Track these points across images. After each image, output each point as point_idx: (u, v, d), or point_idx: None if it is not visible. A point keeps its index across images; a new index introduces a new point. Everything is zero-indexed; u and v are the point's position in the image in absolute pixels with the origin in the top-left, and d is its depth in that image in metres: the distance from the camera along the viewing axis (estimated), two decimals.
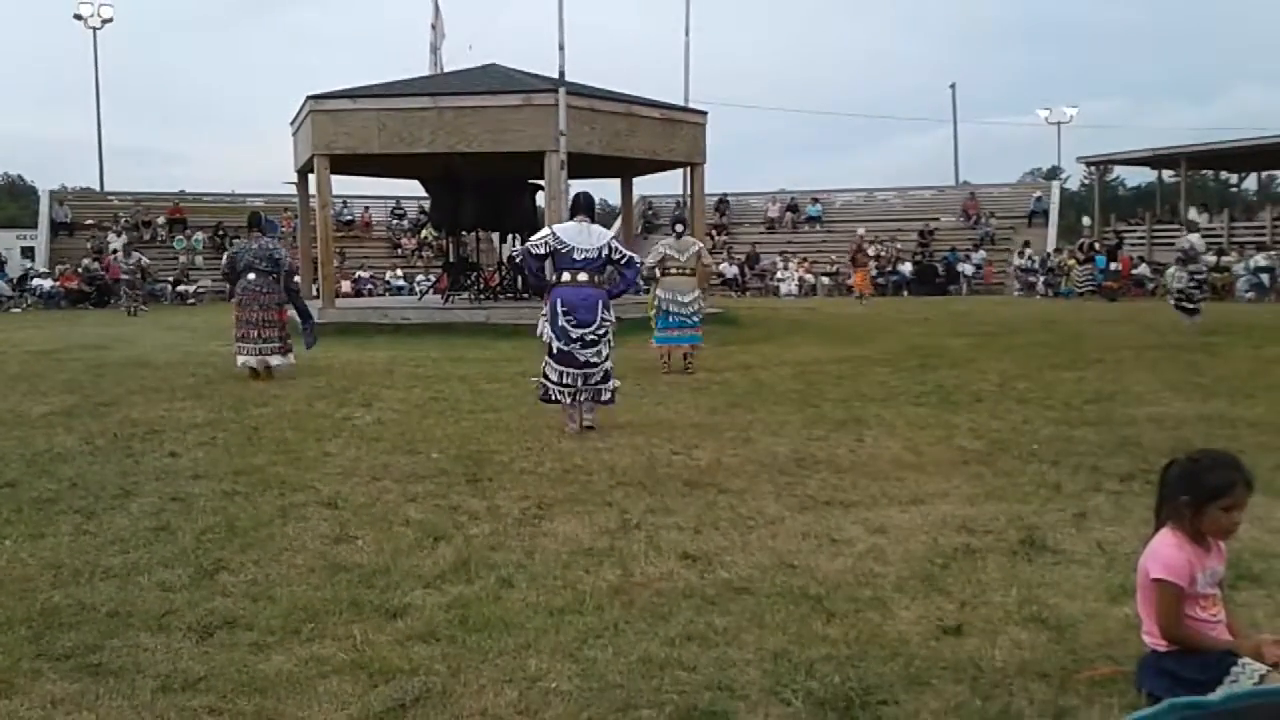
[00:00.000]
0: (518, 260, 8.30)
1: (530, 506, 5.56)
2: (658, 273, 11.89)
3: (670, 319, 11.68)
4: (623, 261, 8.11)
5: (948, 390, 9.85)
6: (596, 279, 7.95)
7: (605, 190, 51.92)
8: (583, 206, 8.26)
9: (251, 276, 11.20)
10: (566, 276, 7.86)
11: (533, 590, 4.21)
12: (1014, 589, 4.16)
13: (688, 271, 11.82)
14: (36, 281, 29.11)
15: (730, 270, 33.43)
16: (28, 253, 32.59)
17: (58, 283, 28.72)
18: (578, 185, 16.29)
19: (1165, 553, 2.79)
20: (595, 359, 7.89)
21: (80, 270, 29.39)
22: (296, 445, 7.39)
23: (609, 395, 8.03)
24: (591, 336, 7.84)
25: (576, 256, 7.82)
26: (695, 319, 11.80)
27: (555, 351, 7.86)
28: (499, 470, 6.51)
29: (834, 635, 3.71)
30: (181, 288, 30.33)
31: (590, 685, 3.31)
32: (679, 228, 12.23)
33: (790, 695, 3.23)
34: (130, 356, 13.69)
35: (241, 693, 3.27)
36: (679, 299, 11.66)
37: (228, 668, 3.46)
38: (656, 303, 11.80)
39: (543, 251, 7.90)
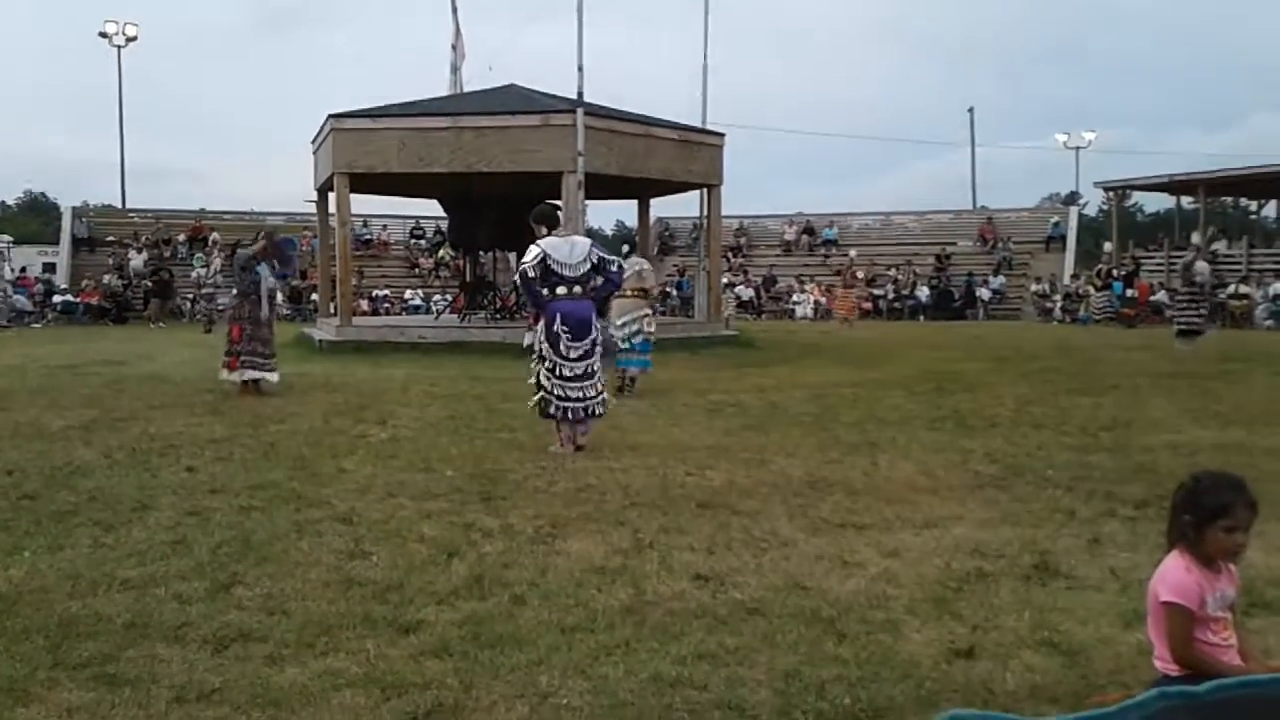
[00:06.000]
0: (520, 284, 8.31)
1: (544, 525, 5.59)
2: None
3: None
4: (611, 266, 8.14)
5: (963, 415, 9.83)
6: (583, 290, 8.01)
7: (622, 212, 52.20)
8: (550, 219, 8.27)
9: (272, 282, 11.36)
10: (562, 290, 7.91)
11: (545, 608, 4.23)
12: (1026, 613, 4.16)
13: (626, 294, 11.04)
14: (57, 298, 29.36)
15: (747, 293, 33.48)
16: (49, 268, 32.86)
17: (77, 298, 28.98)
18: (595, 206, 16.41)
19: (1174, 576, 2.78)
20: (594, 370, 8.01)
21: (101, 286, 29.67)
22: (313, 461, 7.43)
23: (603, 410, 8.11)
24: (589, 349, 7.96)
25: (567, 272, 7.92)
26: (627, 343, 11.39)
27: (558, 368, 7.85)
28: (513, 489, 6.54)
29: (845, 656, 3.71)
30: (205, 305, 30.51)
31: (601, 702, 3.33)
32: (624, 248, 12.80)
33: (801, 715, 3.24)
34: (148, 372, 13.80)
35: (255, 704, 3.31)
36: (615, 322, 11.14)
37: (242, 680, 3.50)
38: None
39: (538, 274, 7.90)
